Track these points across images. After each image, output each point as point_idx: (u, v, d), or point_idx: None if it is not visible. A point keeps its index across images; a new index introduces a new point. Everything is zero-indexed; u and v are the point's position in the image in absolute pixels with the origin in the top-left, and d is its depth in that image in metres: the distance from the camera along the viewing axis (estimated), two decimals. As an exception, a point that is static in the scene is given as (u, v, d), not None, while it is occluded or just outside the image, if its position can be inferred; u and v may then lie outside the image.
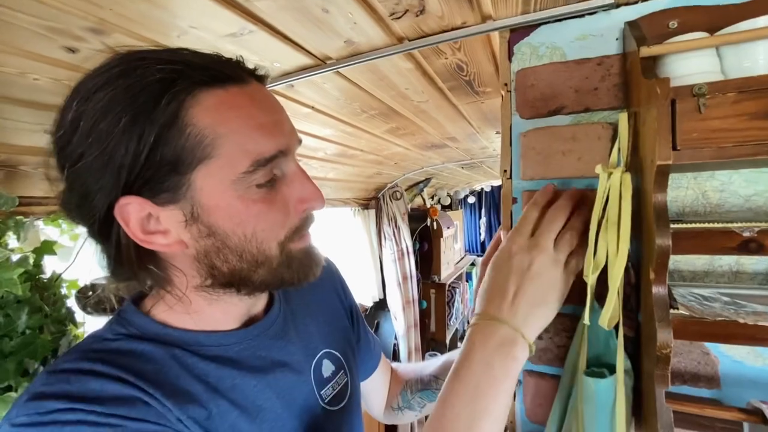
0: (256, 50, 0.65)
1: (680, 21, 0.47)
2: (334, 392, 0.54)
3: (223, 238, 0.40)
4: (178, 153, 0.36)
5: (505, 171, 0.60)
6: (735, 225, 0.39)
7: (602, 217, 0.46)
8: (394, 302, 2.57)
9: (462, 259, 3.93)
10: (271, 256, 0.42)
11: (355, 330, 0.66)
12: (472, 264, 4.17)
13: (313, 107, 0.95)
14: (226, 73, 0.39)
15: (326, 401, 0.52)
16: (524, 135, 0.57)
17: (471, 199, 5.12)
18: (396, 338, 2.64)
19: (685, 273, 0.49)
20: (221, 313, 0.46)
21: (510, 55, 0.58)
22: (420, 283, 3.04)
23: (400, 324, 2.56)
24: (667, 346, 0.38)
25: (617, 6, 0.51)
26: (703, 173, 0.48)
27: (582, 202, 0.48)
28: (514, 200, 0.59)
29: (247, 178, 0.39)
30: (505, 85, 0.59)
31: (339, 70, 0.71)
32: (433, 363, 0.72)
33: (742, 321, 0.36)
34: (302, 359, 0.52)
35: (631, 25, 0.48)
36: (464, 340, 0.44)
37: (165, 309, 0.44)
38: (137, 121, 0.35)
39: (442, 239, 3.17)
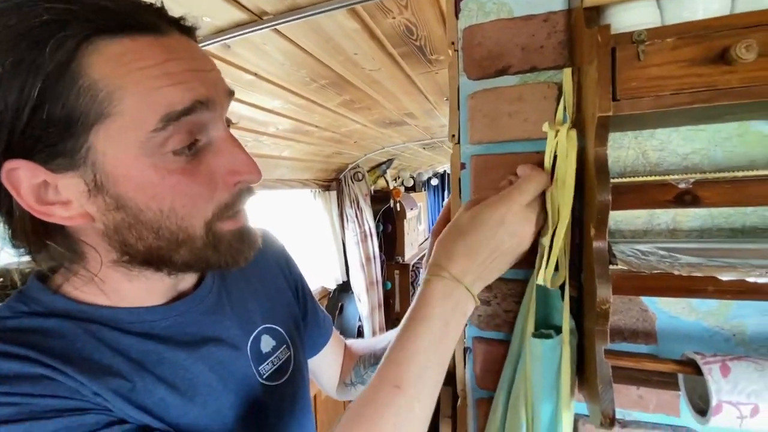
0: (181, 1, 0.58)
1: (624, -26, 0.46)
2: (275, 367, 0.52)
3: (135, 212, 0.36)
4: (70, 110, 0.32)
5: (453, 135, 0.57)
6: (671, 177, 0.39)
7: (552, 176, 0.45)
8: (358, 284, 2.56)
9: (426, 240, 3.97)
10: (194, 235, 0.38)
11: (301, 306, 0.64)
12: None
13: (256, 74, 0.88)
14: (138, 20, 0.33)
15: (265, 376, 0.50)
16: (471, 97, 0.55)
17: (434, 181, 5.16)
18: (360, 320, 2.64)
19: (625, 232, 0.49)
20: (144, 290, 0.43)
21: (457, 11, 0.55)
22: (384, 264, 3.05)
23: (365, 305, 2.56)
24: (606, 301, 0.38)
25: (563, -42, 0.49)
26: (643, 132, 0.48)
27: None
28: (463, 166, 0.57)
29: (158, 140, 0.34)
30: (453, 44, 0.56)
31: (278, 27, 0.65)
32: (385, 337, 0.70)
33: (676, 273, 0.36)
34: (238, 334, 0.49)
35: (576, -24, 0.46)
36: (422, 290, 0.43)
37: (78, 285, 0.41)
38: (18, 71, 0.30)
39: (405, 220, 3.18)
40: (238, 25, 0.65)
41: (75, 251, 0.39)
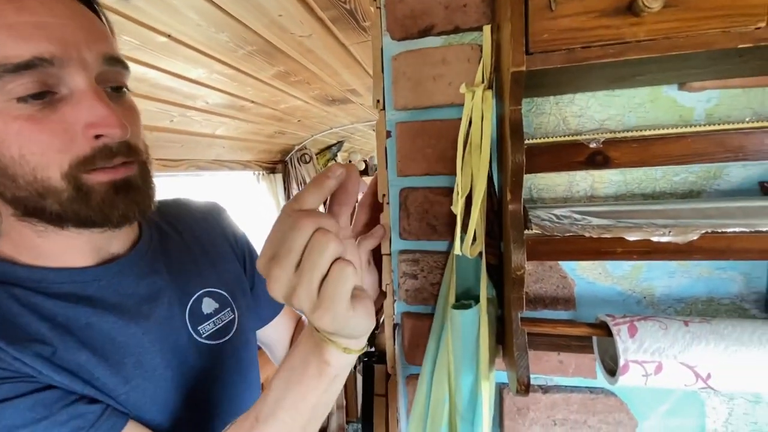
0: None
1: (545, -72, 0.44)
2: (216, 327, 0.54)
3: None
4: None
5: (378, 101, 0.54)
6: (583, 137, 0.38)
7: (466, 140, 0.43)
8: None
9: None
10: (54, 186, 0.38)
11: (249, 277, 0.65)
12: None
13: (169, 35, 0.78)
14: None
15: (204, 335, 0.53)
16: (395, 58, 0.51)
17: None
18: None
19: (547, 200, 0.48)
20: (62, 246, 0.43)
21: (379, -36, 0.51)
22: (335, 248, 3.00)
23: (315, 290, 2.51)
24: (521, 267, 0.36)
25: None
26: (563, 98, 0.47)
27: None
28: (388, 134, 0.54)
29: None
30: (375, 0, 0.52)
31: (181, -25, 0.57)
32: None
33: (587, 235, 0.36)
34: (175, 297, 0.51)
35: (497, -74, 0.43)
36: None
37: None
38: None
39: (357, 204, 3.13)
40: (133, -29, 0.57)
41: None
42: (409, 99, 0.51)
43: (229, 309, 0.58)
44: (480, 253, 0.42)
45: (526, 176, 0.45)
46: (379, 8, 0.51)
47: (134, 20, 0.72)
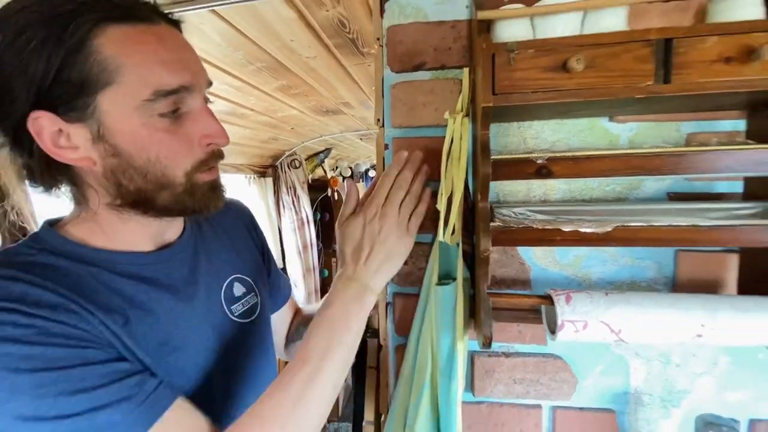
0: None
1: (511, -5, 0.57)
2: (245, 308, 0.62)
3: (127, 158, 0.45)
4: (84, 76, 0.41)
5: (378, 120, 0.66)
6: (532, 155, 0.52)
7: (449, 154, 0.55)
8: (295, 271, 2.58)
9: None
10: (175, 181, 0.47)
11: (266, 266, 0.74)
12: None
13: (191, 52, 0.89)
14: (136, 12, 0.44)
15: (237, 314, 0.60)
16: (393, 87, 0.64)
17: (372, 173, 5.28)
18: (297, 306, 2.66)
19: (510, 202, 0.62)
20: (134, 233, 0.51)
21: (382, 12, 0.63)
22: (321, 252, 3.09)
23: (301, 291, 2.59)
24: (487, 249, 0.49)
25: (466, -24, 0.59)
26: (524, 124, 0.61)
27: (421, 166, 0.58)
28: (386, 146, 0.66)
29: (149, 106, 0.43)
30: (378, 39, 0.64)
31: (216, 9, 0.68)
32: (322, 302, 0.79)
33: (535, 226, 0.49)
34: (212, 280, 0.59)
35: (475, -7, 0.57)
36: (329, 292, 0.55)
37: (81, 228, 0.49)
38: (46, 44, 0.40)
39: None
40: (176, 3, 0.67)
41: (79, 189, 0.48)
42: (403, 119, 0.64)
43: (253, 293, 0.65)
44: (458, 243, 0.55)
45: (494, 183, 0.59)
46: (382, 46, 0.64)
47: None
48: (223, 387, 0.56)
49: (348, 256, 0.56)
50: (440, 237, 0.54)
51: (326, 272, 3.20)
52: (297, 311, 0.85)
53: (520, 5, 0.52)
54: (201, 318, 0.55)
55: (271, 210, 2.54)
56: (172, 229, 0.57)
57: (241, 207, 0.76)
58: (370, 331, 0.74)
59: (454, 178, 0.54)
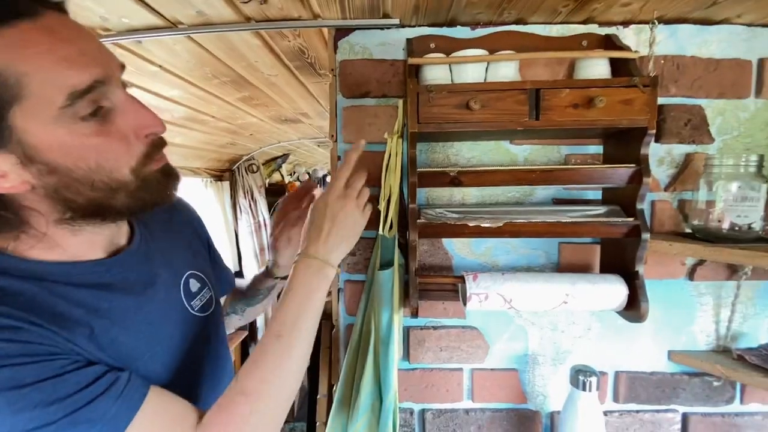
0: (102, 2, 0.68)
1: (436, 44, 0.74)
2: (202, 303, 0.63)
3: (66, 173, 0.41)
4: None
5: (332, 135, 0.80)
6: (447, 169, 0.68)
7: (387, 166, 0.70)
8: (251, 273, 2.62)
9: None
10: (125, 182, 0.45)
11: (212, 260, 0.76)
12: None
13: (161, 66, 0.97)
14: (10, 9, 0.37)
15: (196, 310, 0.61)
16: (345, 109, 0.78)
17: (330, 179, 5.36)
18: (253, 308, 2.70)
19: (436, 204, 0.78)
20: (86, 243, 0.49)
21: (335, 48, 0.77)
22: (277, 255, 3.13)
23: (257, 293, 2.63)
24: (415, 240, 0.64)
25: (402, 26, 0.75)
26: (447, 144, 0.78)
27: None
28: (339, 158, 0.80)
29: (68, 112, 0.39)
30: (332, 70, 0.78)
31: (191, 35, 0.79)
32: (250, 278, 0.87)
33: (449, 222, 0.65)
34: (170, 278, 0.59)
35: (408, 41, 0.73)
36: (292, 270, 0.56)
37: (28, 245, 0.45)
38: None
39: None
40: (153, 29, 0.77)
41: (18, 216, 0.43)
42: (353, 136, 0.78)
43: (207, 288, 0.66)
44: (395, 237, 0.70)
45: (423, 189, 0.74)
46: (335, 76, 0.78)
47: (135, 53, 0.90)
48: (189, 380, 0.57)
49: (311, 235, 0.57)
50: (380, 231, 0.68)
51: (282, 275, 3.25)
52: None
53: (441, 54, 0.69)
54: (164, 317, 0.54)
55: (227, 213, 2.57)
56: (121, 232, 0.55)
57: (186, 205, 0.76)
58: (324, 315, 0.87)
59: (392, 185, 0.69)
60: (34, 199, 0.42)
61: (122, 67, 0.46)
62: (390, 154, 0.69)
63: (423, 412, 0.82)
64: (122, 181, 0.44)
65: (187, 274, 0.63)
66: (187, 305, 0.60)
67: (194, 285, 0.63)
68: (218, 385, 0.62)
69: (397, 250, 0.70)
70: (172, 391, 0.48)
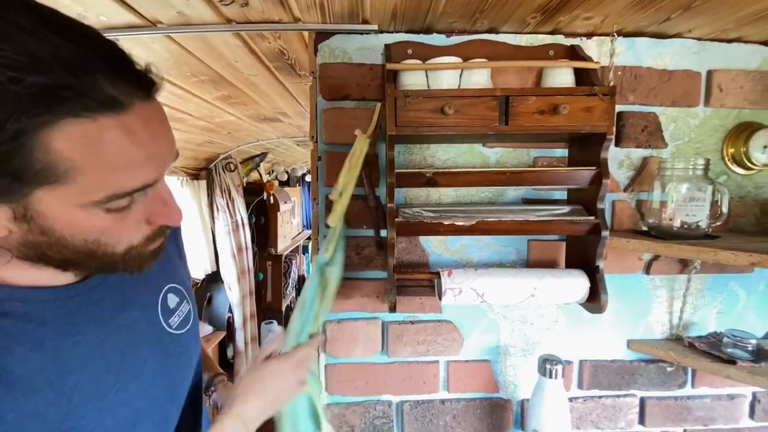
0: (81, 1, 0.68)
1: (413, 50, 0.77)
2: (180, 319, 0.60)
3: (58, 238, 0.38)
4: (21, 170, 0.33)
5: (312, 136, 0.82)
6: (423, 170, 0.71)
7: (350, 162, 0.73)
8: (229, 273, 2.59)
9: (300, 233, 4.14)
10: (114, 254, 0.42)
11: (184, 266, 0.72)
12: (308, 238, 4.43)
13: (138, 64, 0.97)
14: (96, 101, 0.33)
15: (174, 327, 0.58)
16: (325, 111, 0.80)
17: (309, 178, 5.35)
18: (230, 309, 2.67)
19: (413, 204, 0.81)
20: (52, 273, 0.43)
21: (316, 51, 0.79)
22: (256, 255, 3.11)
23: (235, 293, 2.61)
24: (393, 238, 0.67)
25: (381, 32, 0.78)
26: (423, 146, 0.81)
27: None
28: (319, 158, 0.82)
29: (98, 205, 0.37)
30: (312, 72, 0.80)
31: (170, 35, 0.79)
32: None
33: (425, 221, 0.68)
34: (147, 298, 0.55)
35: (386, 47, 0.76)
36: (219, 420, 0.54)
37: None
38: None
39: (279, 213, 3.29)
40: (132, 27, 0.77)
41: None
42: (332, 137, 0.80)
43: (185, 301, 0.62)
44: (337, 227, 0.69)
45: (402, 189, 0.77)
46: (316, 78, 0.80)
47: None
48: (168, 402, 0.56)
49: (249, 394, 0.56)
50: (327, 221, 0.69)
51: (261, 275, 3.23)
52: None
53: (417, 61, 0.72)
54: (136, 344, 0.51)
55: (204, 212, 2.54)
56: None
57: None
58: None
59: (349, 180, 0.70)
60: (6, 239, 0.38)
61: (176, 156, 0.43)
62: (355, 152, 0.71)
63: (401, 403, 0.86)
64: (110, 255, 0.42)
65: (166, 288, 0.59)
66: (164, 324, 0.56)
67: (172, 300, 0.60)
68: (194, 405, 0.61)
69: (341, 243, 0.70)
70: (145, 414, 0.49)
